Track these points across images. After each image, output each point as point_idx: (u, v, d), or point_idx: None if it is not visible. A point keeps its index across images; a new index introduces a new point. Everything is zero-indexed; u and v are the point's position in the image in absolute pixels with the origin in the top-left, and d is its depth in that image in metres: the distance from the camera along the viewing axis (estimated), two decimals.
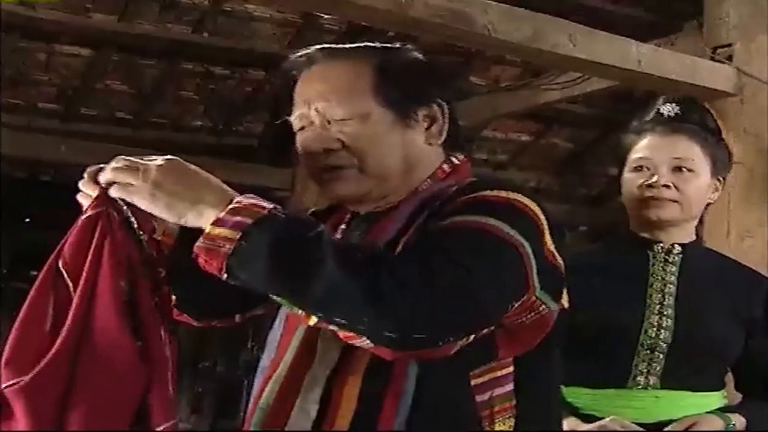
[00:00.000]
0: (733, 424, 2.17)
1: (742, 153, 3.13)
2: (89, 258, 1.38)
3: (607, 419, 2.14)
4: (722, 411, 2.20)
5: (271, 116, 6.44)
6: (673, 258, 2.27)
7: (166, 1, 5.28)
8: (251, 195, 1.37)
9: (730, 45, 3.14)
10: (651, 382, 2.18)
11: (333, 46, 1.61)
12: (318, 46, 1.61)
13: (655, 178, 2.24)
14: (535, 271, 1.40)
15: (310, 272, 1.29)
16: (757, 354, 2.26)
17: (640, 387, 2.18)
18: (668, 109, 2.32)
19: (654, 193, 2.24)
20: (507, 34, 2.76)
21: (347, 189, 1.54)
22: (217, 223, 1.32)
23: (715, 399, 2.22)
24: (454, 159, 1.60)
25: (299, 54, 1.61)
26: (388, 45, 1.63)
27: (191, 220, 1.36)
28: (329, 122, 1.53)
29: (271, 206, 1.34)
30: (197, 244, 1.33)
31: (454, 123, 1.60)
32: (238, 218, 1.31)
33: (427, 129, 1.57)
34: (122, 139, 6.08)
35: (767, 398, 2.27)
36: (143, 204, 1.39)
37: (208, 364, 7.58)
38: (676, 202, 2.24)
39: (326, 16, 5.18)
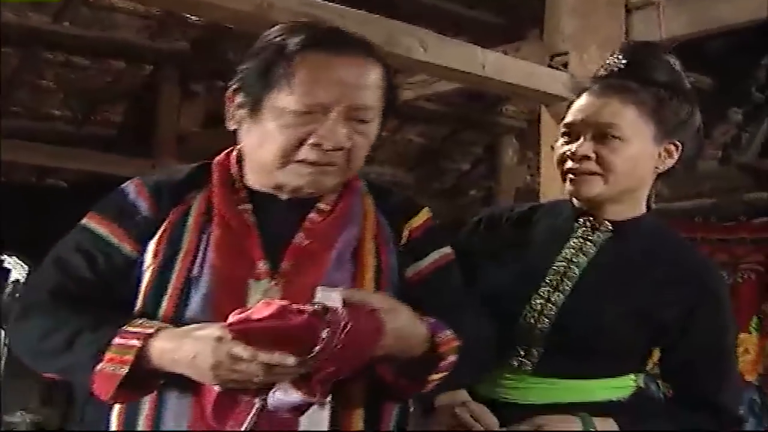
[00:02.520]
0: (593, 430, 1.89)
1: None
2: None
3: (459, 403, 1.91)
4: (606, 409, 1.93)
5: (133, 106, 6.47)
6: (596, 237, 1.99)
7: None
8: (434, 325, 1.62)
9: (566, 53, 3.37)
10: (524, 367, 1.94)
11: (355, 35, 1.65)
12: (335, 29, 1.67)
13: (574, 147, 1.95)
14: None
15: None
16: (668, 355, 2.01)
17: (514, 369, 1.95)
18: (614, 61, 2.00)
19: (572, 166, 1.95)
20: None
21: (326, 185, 1.65)
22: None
23: (603, 385, 1.96)
24: None
25: (319, 29, 1.65)
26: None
27: None
28: (350, 120, 1.60)
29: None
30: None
31: None
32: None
33: None
34: None
35: (683, 404, 2.00)
36: None
37: None
38: (599, 175, 1.93)
39: None
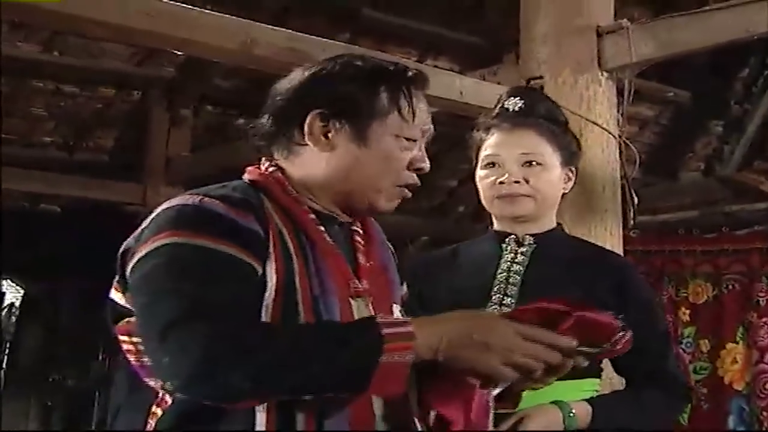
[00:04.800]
0: (572, 413, 2.08)
1: None
2: None
3: None
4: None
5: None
6: (525, 249, 2.25)
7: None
8: None
9: (541, 77, 3.43)
10: None
11: None
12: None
13: (505, 176, 2.22)
14: None
15: None
16: None
17: None
18: (512, 103, 2.30)
19: (506, 190, 2.23)
20: None
21: None
22: None
23: (563, 387, 2.03)
24: None
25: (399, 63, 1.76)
26: None
27: None
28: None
29: None
30: None
31: None
32: None
33: None
34: None
35: (638, 383, 2.23)
36: None
37: (58, 377, 7.51)
38: (529, 196, 2.23)
39: None
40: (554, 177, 2.27)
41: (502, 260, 2.25)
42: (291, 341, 1.47)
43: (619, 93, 3.43)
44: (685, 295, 5.66)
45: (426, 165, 1.71)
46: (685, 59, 5.21)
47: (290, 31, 2.99)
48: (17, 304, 7.74)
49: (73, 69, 5.92)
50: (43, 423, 7.41)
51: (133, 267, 1.54)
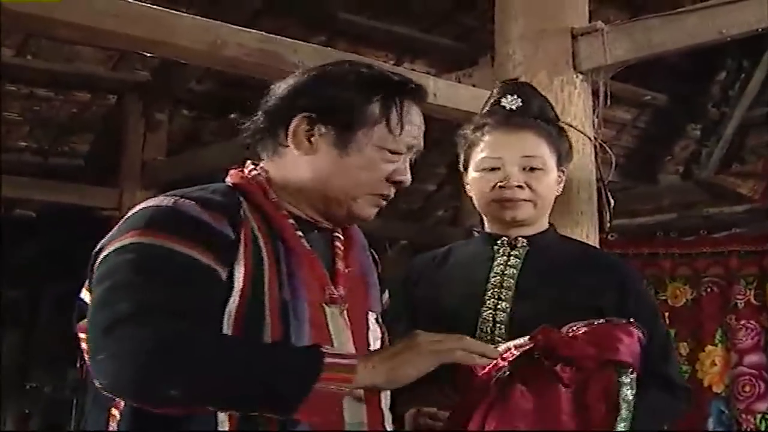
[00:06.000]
0: None
1: None
2: None
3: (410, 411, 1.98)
4: None
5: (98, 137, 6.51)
6: (518, 251, 2.20)
7: None
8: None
9: (516, 79, 3.40)
10: None
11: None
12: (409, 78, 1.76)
13: (506, 180, 2.16)
14: None
15: None
16: None
17: None
18: (509, 101, 2.23)
19: (508, 195, 2.17)
20: None
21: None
22: None
23: None
24: None
25: (402, 76, 1.75)
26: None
27: None
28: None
29: None
30: None
31: None
32: None
33: None
34: None
35: (642, 385, 2.09)
36: None
37: (36, 385, 7.46)
38: (530, 201, 2.18)
39: None
40: (552, 181, 2.23)
41: (495, 263, 2.20)
42: (231, 355, 1.49)
43: (595, 95, 3.41)
44: (663, 298, 5.66)
45: (407, 179, 1.71)
46: (662, 62, 5.23)
47: (260, 32, 2.95)
48: None
49: (48, 73, 5.87)
50: (19, 426, 7.36)
51: (99, 263, 1.56)
